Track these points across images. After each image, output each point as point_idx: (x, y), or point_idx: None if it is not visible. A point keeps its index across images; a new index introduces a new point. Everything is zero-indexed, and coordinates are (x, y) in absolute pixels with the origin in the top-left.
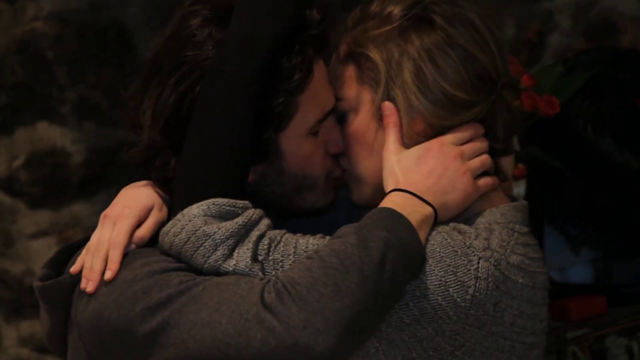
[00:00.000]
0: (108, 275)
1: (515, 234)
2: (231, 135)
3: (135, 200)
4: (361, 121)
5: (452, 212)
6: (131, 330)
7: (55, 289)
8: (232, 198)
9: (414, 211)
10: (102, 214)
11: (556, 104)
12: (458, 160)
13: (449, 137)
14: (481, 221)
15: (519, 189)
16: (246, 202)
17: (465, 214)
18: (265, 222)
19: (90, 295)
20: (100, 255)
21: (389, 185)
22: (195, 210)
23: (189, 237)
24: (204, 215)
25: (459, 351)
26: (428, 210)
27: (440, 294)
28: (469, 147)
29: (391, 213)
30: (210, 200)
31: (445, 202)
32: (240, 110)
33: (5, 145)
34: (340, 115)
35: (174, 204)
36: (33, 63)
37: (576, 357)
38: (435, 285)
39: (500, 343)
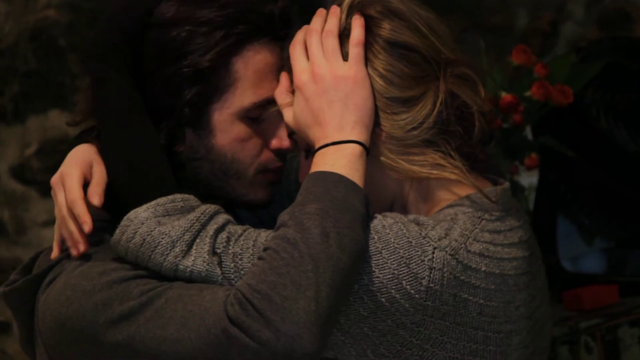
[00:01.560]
0: (86, 228)
1: (483, 221)
2: (130, 128)
3: (73, 159)
4: None
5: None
6: (97, 342)
7: (15, 294)
8: (168, 192)
9: (336, 160)
10: (51, 185)
11: (569, 94)
12: (319, 72)
13: (311, 48)
14: (449, 212)
15: (532, 178)
16: (185, 195)
17: (437, 205)
18: (224, 216)
19: (49, 305)
20: (69, 219)
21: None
22: (144, 213)
23: (144, 239)
24: (155, 217)
25: (428, 344)
26: (349, 147)
27: (393, 287)
28: (325, 36)
29: (317, 177)
30: (153, 203)
31: (350, 119)
32: (118, 100)
33: (18, 133)
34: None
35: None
36: (45, 51)
37: (589, 347)
38: (388, 278)
39: (470, 334)
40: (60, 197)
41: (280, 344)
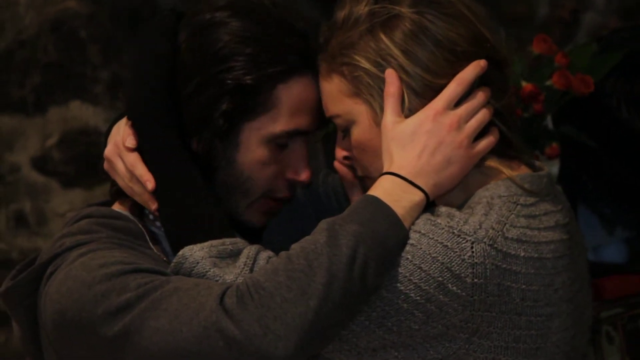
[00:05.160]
0: (149, 186)
1: (518, 206)
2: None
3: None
4: (362, 131)
5: (447, 188)
6: (95, 332)
7: (17, 289)
8: (217, 229)
9: (401, 198)
10: (106, 157)
11: (590, 83)
12: (453, 129)
13: (443, 101)
14: (484, 195)
15: (553, 168)
16: (234, 239)
17: (472, 188)
18: (263, 255)
19: (51, 296)
20: (133, 182)
21: (385, 165)
22: (199, 252)
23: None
24: (209, 257)
25: (475, 337)
26: (418, 195)
27: (441, 293)
28: (465, 109)
29: (372, 202)
30: (207, 244)
31: (439, 180)
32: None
33: (39, 125)
34: (343, 130)
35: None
36: (66, 42)
37: (610, 336)
38: (434, 287)
39: (514, 320)
40: (119, 166)
41: (266, 341)
